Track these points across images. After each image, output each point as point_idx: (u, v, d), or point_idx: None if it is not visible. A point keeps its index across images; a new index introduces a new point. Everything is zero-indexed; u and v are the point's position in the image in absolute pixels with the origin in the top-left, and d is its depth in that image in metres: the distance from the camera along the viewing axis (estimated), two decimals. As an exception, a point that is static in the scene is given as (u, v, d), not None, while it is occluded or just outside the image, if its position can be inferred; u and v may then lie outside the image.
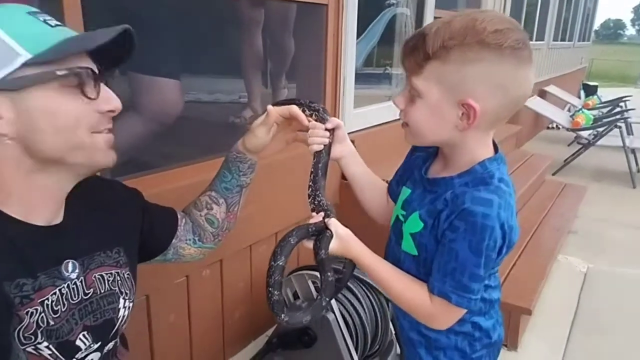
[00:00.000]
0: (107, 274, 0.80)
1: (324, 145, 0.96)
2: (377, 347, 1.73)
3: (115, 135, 0.75)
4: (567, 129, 5.44)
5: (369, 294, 1.67)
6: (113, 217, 0.85)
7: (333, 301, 1.57)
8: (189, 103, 2.09)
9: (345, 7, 2.06)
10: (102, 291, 0.79)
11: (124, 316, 0.83)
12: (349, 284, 1.63)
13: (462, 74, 0.74)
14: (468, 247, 0.77)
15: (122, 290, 0.83)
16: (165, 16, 1.81)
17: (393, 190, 1.01)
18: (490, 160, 0.82)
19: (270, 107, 0.96)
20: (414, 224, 0.86)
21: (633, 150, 4.87)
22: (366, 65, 4.06)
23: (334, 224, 0.88)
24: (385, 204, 1.04)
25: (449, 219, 0.79)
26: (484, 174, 0.81)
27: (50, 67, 0.65)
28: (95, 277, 0.78)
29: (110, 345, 0.81)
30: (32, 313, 0.68)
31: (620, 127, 4.83)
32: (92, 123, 0.70)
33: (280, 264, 0.84)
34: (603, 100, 7.83)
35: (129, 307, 0.85)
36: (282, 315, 0.86)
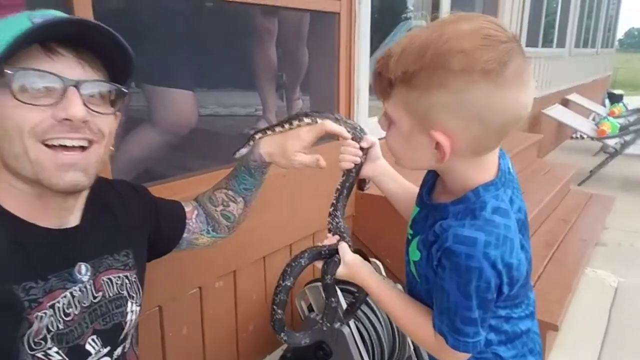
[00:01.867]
0: (115, 277, 0.80)
1: (355, 165, 0.93)
2: (395, 362, 1.67)
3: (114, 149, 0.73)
4: (593, 138, 5.29)
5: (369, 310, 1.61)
6: (121, 219, 0.84)
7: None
8: (204, 117, 2.11)
9: (358, 15, 2.05)
10: (111, 295, 0.79)
11: (131, 320, 0.82)
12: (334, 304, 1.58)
13: (428, 101, 0.65)
14: (457, 288, 0.70)
15: (130, 293, 0.82)
16: (179, 29, 1.82)
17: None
18: (485, 187, 0.72)
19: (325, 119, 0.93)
20: (414, 251, 0.81)
21: (663, 159, 4.70)
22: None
23: (343, 249, 0.87)
24: None
25: (437, 254, 0.72)
26: (476, 204, 0.71)
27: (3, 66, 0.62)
28: (103, 280, 0.78)
29: (119, 350, 0.80)
30: (41, 317, 0.67)
31: (649, 136, 4.67)
32: (38, 129, 0.64)
33: (288, 284, 0.86)
34: (629, 108, 7.63)
35: (136, 311, 0.84)
36: (282, 334, 0.89)
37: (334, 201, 0.95)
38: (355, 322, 1.53)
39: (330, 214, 0.94)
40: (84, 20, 0.69)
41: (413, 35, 0.66)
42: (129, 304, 0.81)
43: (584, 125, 5.59)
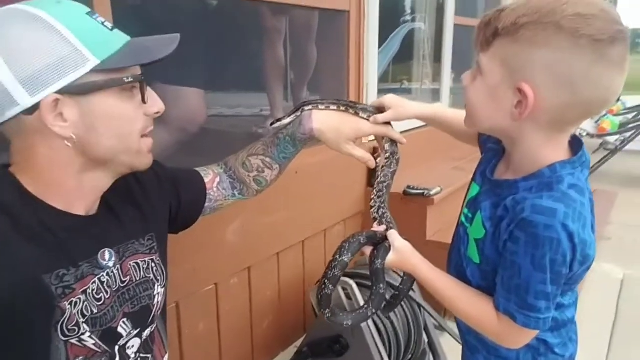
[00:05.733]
0: (141, 261, 0.82)
1: (393, 155, 0.95)
2: (410, 356, 1.68)
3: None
4: (592, 136, 5.32)
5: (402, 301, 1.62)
6: (143, 204, 0.85)
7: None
8: (212, 117, 2.11)
9: (367, 13, 2.07)
10: (138, 279, 0.80)
11: (159, 302, 0.84)
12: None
13: (527, 57, 0.66)
14: (531, 262, 0.69)
15: (156, 276, 0.84)
16: (188, 27, 1.83)
17: (483, 142, 0.92)
18: (562, 164, 0.72)
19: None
20: (477, 229, 0.80)
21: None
22: (383, 80, 4.07)
23: (393, 235, 0.87)
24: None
25: (509, 228, 0.71)
26: (552, 178, 0.71)
27: (116, 74, 0.67)
28: (130, 265, 0.79)
29: (148, 331, 0.82)
30: (75, 303, 0.68)
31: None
32: (142, 126, 0.73)
33: (345, 260, 0.84)
34: (627, 106, 7.67)
35: (162, 293, 0.85)
36: (327, 310, 0.85)
37: (379, 192, 0.95)
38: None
39: (372, 206, 0.95)
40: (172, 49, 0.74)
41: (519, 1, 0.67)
42: (156, 286, 0.83)
43: (584, 123, 5.61)
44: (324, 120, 0.94)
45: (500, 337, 0.79)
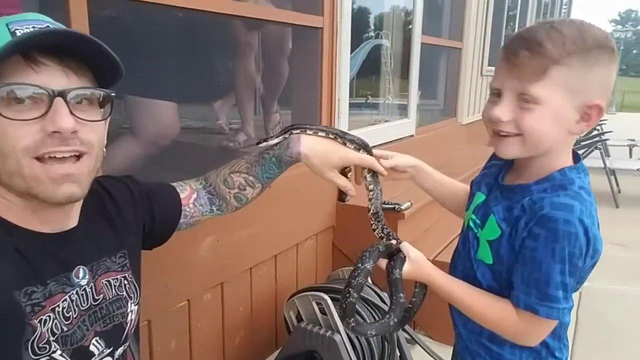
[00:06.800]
0: (113, 279, 0.80)
1: (375, 187, 1.00)
2: (384, 369, 1.69)
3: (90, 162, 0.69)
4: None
5: (375, 315, 1.64)
6: (116, 220, 0.83)
7: (339, 321, 1.53)
8: (185, 129, 2.09)
9: (340, 30, 2.11)
10: (110, 297, 0.79)
11: (132, 320, 0.83)
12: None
13: (585, 77, 0.75)
14: (551, 255, 0.75)
15: (129, 294, 0.83)
16: (162, 41, 1.82)
17: (471, 194, 0.99)
18: (570, 169, 0.81)
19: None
20: (491, 230, 0.85)
21: (613, 171, 5.01)
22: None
23: (407, 246, 0.90)
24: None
25: (527, 226, 0.77)
26: (564, 180, 0.80)
27: None
28: (103, 282, 0.78)
29: (121, 350, 0.80)
30: (45, 320, 0.67)
31: (600, 149, 4.98)
32: (30, 145, 0.63)
33: (368, 267, 0.85)
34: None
35: (135, 311, 0.84)
36: (352, 320, 0.85)
37: (375, 210, 0.99)
38: (346, 330, 1.55)
39: (374, 229, 0.99)
40: (68, 31, 0.68)
41: (548, 27, 0.76)
42: (129, 304, 0.82)
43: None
44: (311, 145, 0.95)
45: (521, 335, 0.83)
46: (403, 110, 3.35)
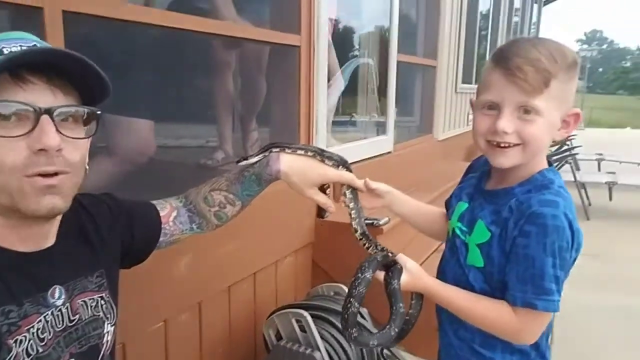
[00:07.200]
0: (90, 299, 0.79)
1: (355, 204, 1.02)
2: (364, 386, 1.68)
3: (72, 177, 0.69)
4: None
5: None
6: (93, 239, 0.82)
7: (319, 338, 1.53)
8: (161, 147, 2.08)
9: (317, 48, 2.15)
10: (86, 317, 0.77)
11: (108, 341, 0.81)
12: (332, 319, 1.59)
13: (567, 90, 0.85)
14: (543, 250, 0.79)
15: (106, 314, 0.81)
16: (138, 58, 1.81)
17: (450, 206, 1.03)
18: (548, 170, 0.89)
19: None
20: (480, 234, 0.88)
21: (583, 185, 5.17)
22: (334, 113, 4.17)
23: (404, 258, 0.92)
24: (445, 226, 1.06)
25: (517, 225, 0.82)
26: (544, 180, 0.86)
27: None
28: (79, 303, 0.76)
29: None
30: (20, 341, 0.66)
31: (570, 163, 5.13)
32: (18, 164, 0.64)
33: (368, 276, 0.86)
34: (550, 140, 8.33)
35: (112, 332, 0.83)
36: (354, 329, 0.85)
37: (362, 229, 1.02)
38: (325, 346, 1.54)
39: (365, 245, 1.01)
40: (56, 50, 0.69)
41: (531, 49, 0.83)
42: (105, 325, 0.80)
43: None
44: (291, 164, 0.96)
45: (519, 332, 0.85)
46: (382, 127, 3.40)
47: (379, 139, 3.22)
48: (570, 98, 0.86)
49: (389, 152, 3.25)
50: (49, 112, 0.65)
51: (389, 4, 3.17)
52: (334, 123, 2.96)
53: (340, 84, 3.01)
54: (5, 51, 0.64)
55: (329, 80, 2.40)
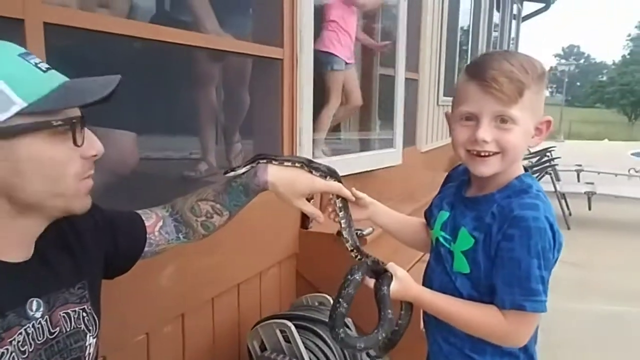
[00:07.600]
0: (72, 311, 0.78)
1: (345, 214, 1.02)
2: (349, 397, 1.67)
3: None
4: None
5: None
6: (76, 249, 0.82)
7: (303, 348, 1.52)
8: (144, 159, 2.07)
9: (300, 61, 2.17)
10: (68, 330, 0.76)
11: (90, 353, 0.80)
12: (316, 329, 1.59)
13: (538, 100, 0.88)
14: (527, 252, 0.81)
15: (88, 327, 0.80)
16: (121, 70, 1.81)
17: (431, 216, 1.05)
18: (525, 176, 0.92)
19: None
20: (464, 241, 0.90)
21: (563, 195, 5.27)
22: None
23: (394, 266, 0.93)
24: (426, 236, 1.08)
25: (501, 230, 0.84)
26: (523, 185, 0.89)
27: (45, 117, 0.65)
28: (60, 315, 0.75)
29: None
30: (3, 354, 0.65)
31: (550, 174, 5.24)
32: (78, 170, 0.71)
33: (357, 278, 0.88)
34: (532, 150, 8.50)
35: (94, 344, 0.82)
36: (341, 330, 0.86)
37: (353, 242, 1.02)
38: (309, 356, 1.54)
39: (353, 253, 1.02)
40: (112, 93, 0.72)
41: (503, 61, 0.86)
42: (87, 337, 0.79)
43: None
44: (278, 175, 0.97)
45: (509, 335, 0.87)
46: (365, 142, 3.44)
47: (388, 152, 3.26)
48: (541, 106, 0.90)
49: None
50: (83, 120, 0.71)
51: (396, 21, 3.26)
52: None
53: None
54: (43, 67, 0.68)
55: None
